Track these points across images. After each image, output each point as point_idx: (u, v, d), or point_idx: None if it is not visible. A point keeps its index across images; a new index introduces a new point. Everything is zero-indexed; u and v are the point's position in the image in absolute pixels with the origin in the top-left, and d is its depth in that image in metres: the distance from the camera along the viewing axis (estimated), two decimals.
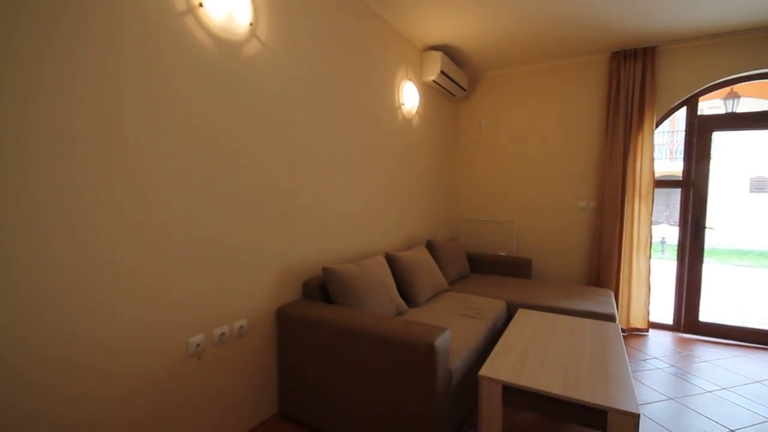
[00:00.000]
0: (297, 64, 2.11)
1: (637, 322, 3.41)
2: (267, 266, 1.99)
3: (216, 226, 1.72)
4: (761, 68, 3.07)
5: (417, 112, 3.42)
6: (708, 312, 4.26)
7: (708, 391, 2.48)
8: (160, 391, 1.55)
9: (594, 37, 3.22)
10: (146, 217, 1.46)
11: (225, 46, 1.71)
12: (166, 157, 1.51)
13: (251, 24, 1.82)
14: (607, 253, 3.45)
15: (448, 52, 3.54)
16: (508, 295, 2.95)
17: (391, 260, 2.65)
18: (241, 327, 1.87)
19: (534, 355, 1.85)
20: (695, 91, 3.30)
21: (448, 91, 3.76)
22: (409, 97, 3.21)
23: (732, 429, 2.08)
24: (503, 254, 3.84)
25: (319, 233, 2.34)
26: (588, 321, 2.35)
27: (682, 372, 2.75)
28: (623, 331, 3.41)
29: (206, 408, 1.74)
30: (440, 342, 1.63)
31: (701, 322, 3.40)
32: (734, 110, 5.18)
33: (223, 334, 1.78)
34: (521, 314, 2.47)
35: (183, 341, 1.62)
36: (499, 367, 1.70)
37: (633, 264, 3.39)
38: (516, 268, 3.65)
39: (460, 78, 3.74)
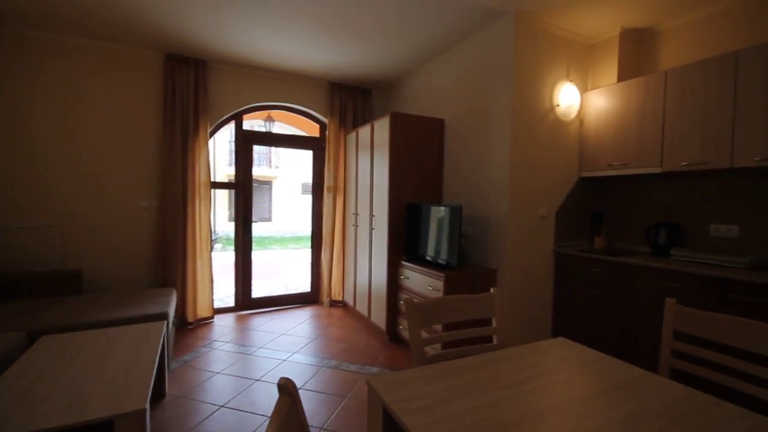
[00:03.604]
0: None
1: (203, 312, 3.69)
2: None
3: None
4: (277, 101, 4.14)
5: None
6: (264, 288, 5.36)
7: (249, 354, 3.04)
8: None
9: (147, 32, 3.11)
10: None
11: None
12: None
13: None
14: (172, 252, 3.50)
15: None
16: (34, 321, 2.30)
17: None
18: None
19: (37, 391, 1.49)
20: (240, 109, 3.98)
21: None
22: None
23: (258, 378, 2.64)
24: (42, 269, 2.99)
25: None
26: (132, 327, 2.22)
27: (234, 345, 3.23)
28: (190, 323, 3.60)
29: None
30: None
31: (254, 298, 4.20)
32: (271, 130, 6.88)
33: None
34: (42, 343, 1.97)
35: None
36: None
37: (197, 259, 3.63)
38: (60, 283, 2.95)
39: None
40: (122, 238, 3.45)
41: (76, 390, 1.50)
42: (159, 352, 1.89)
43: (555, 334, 3.05)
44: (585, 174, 3.09)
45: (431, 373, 1.10)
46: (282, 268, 7.50)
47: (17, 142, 3.11)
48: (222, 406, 2.25)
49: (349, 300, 4.14)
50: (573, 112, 3.07)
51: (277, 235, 13.45)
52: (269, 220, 15.77)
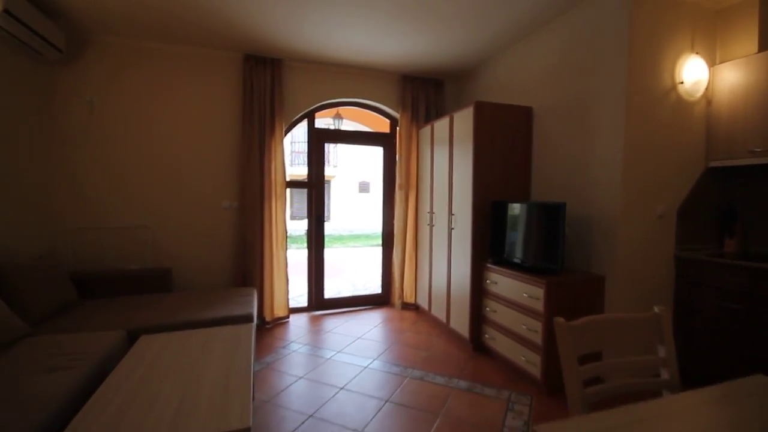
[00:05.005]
0: None
1: (279, 311, 3.69)
2: None
3: None
4: (349, 98, 4.03)
5: None
6: (331, 288, 5.32)
7: (328, 358, 2.95)
8: None
9: (226, 33, 3.13)
10: None
11: None
12: None
13: None
14: (251, 251, 3.52)
15: None
16: (132, 320, 2.37)
17: None
18: None
19: (143, 396, 1.45)
20: (312, 107, 3.92)
21: (26, 44, 2.60)
22: None
23: (342, 386, 2.52)
24: (134, 267, 3.14)
25: None
26: (223, 329, 2.19)
27: (312, 347, 3.17)
28: (268, 323, 3.60)
29: None
30: None
31: (326, 299, 4.14)
32: (339, 128, 6.87)
33: None
34: (142, 343, 1.98)
35: None
36: None
37: (274, 258, 3.63)
38: (152, 281, 3.06)
39: (48, 31, 2.67)
40: (206, 238, 3.54)
41: (179, 398, 1.44)
42: (252, 359, 1.82)
43: (679, 355, 2.59)
44: (715, 163, 2.59)
45: (614, 426, 0.84)
46: (341, 268, 7.47)
47: (109, 146, 3.28)
48: (311, 416, 2.14)
49: (423, 303, 3.93)
50: (699, 90, 2.58)
51: (335, 234, 13.61)
52: (328, 219, 16.08)
